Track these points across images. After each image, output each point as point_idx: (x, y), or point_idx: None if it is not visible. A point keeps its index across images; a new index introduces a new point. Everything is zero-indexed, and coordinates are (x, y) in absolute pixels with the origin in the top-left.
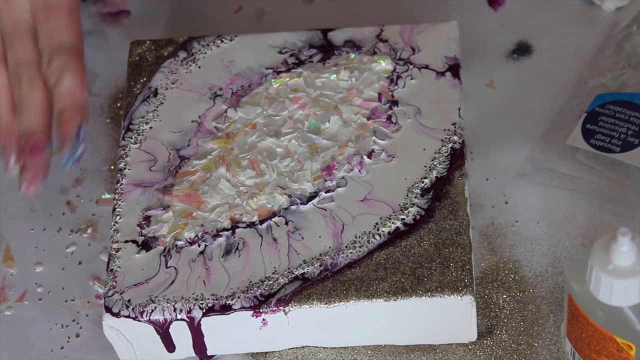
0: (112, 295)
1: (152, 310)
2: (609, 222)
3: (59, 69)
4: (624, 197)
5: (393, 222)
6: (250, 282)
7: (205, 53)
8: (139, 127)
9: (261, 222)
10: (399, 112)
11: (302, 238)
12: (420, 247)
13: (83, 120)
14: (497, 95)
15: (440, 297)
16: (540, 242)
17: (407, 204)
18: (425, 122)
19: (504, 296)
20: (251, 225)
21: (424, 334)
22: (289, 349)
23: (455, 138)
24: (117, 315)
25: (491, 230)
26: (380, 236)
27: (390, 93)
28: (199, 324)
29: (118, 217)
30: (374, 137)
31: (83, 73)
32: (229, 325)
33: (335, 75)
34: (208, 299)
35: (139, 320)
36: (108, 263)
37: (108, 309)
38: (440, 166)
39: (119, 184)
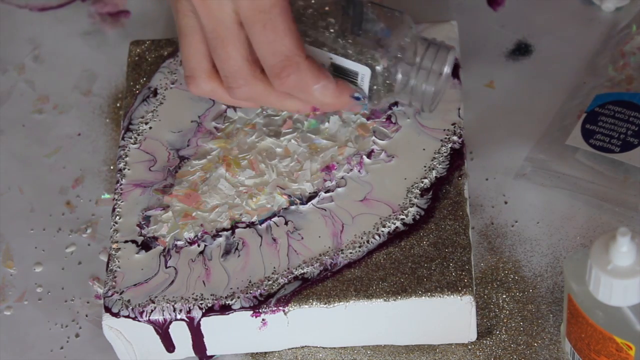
0: (112, 295)
1: (152, 311)
2: (608, 222)
3: (298, 88)
4: (623, 197)
5: (393, 222)
6: (250, 282)
7: None
8: (138, 127)
9: (261, 222)
10: (399, 112)
11: (302, 238)
12: (420, 247)
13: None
14: (497, 95)
15: (440, 297)
16: (539, 242)
17: (406, 204)
18: (424, 122)
19: (504, 296)
20: (251, 225)
21: (423, 334)
22: (289, 349)
23: (455, 138)
24: (116, 315)
25: (491, 230)
26: (379, 236)
27: None
28: (198, 324)
29: (118, 217)
30: (373, 137)
31: (318, 73)
32: (229, 325)
33: None
34: (208, 299)
35: (139, 321)
36: (108, 263)
37: (108, 309)
38: (440, 166)
39: (118, 184)
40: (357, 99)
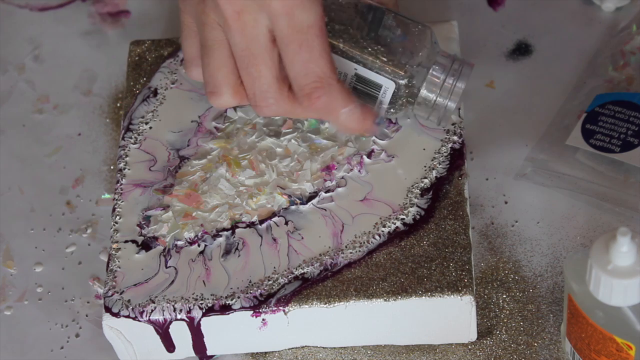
0: (112, 295)
1: (152, 310)
2: (608, 222)
3: (326, 110)
4: (624, 197)
5: (393, 222)
6: (250, 282)
7: None
8: (138, 127)
9: (261, 222)
10: None
11: (302, 238)
12: (420, 247)
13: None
14: (497, 95)
15: (440, 297)
16: (540, 242)
17: (406, 204)
18: (425, 122)
19: (504, 296)
20: (251, 225)
21: (423, 334)
22: (289, 349)
23: (455, 138)
24: (116, 315)
25: (491, 230)
26: (380, 236)
27: None
28: (198, 324)
29: (118, 217)
30: (373, 137)
31: (347, 97)
32: (229, 325)
33: None
34: (208, 299)
35: (139, 320)
36: (108, 263)
37: (108, 309)
38: (440, 166)
39: (118, 184)
40: (378, 124)
